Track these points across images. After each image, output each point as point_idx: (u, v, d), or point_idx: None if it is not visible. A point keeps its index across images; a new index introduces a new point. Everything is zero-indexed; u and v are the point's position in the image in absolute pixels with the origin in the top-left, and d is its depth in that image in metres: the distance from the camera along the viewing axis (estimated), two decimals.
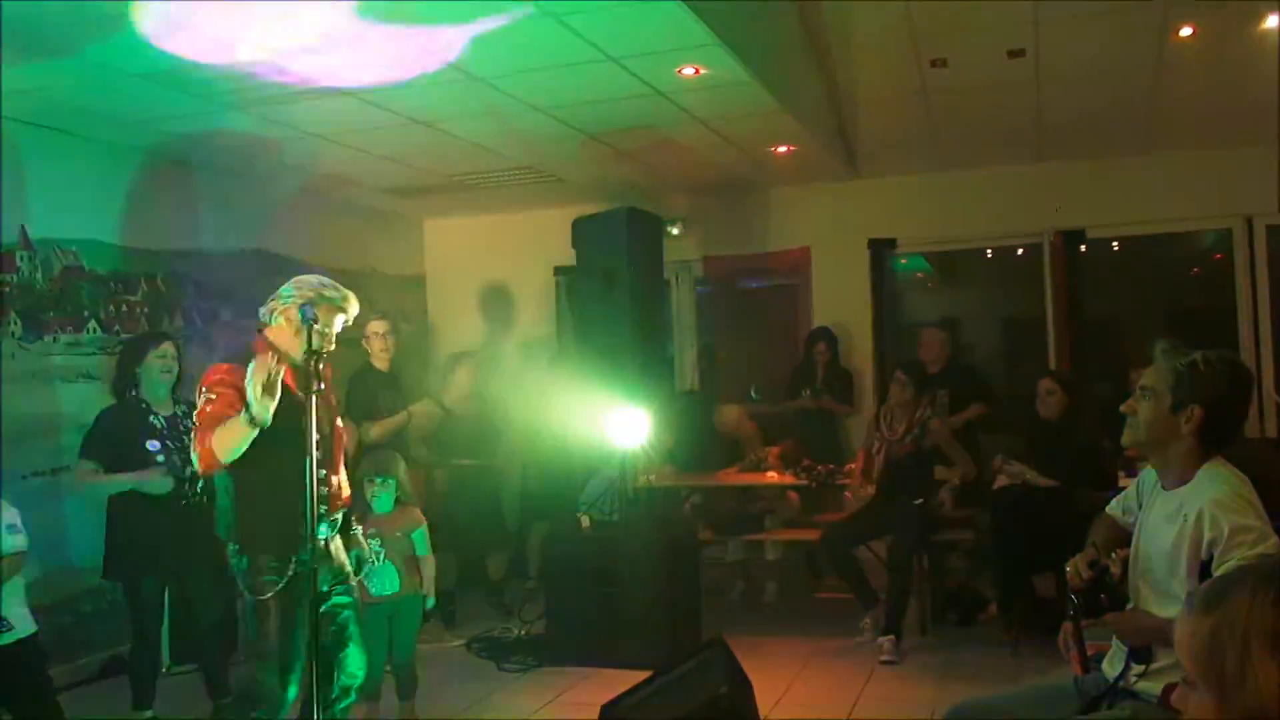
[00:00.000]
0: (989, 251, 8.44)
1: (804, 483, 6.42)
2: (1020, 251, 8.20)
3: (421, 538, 4.63)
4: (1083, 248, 7.56)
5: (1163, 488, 2.62)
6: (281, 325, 3.46)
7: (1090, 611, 2.65)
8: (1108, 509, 2.96)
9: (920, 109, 6.52)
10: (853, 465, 6.40)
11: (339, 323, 3.52)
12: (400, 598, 4.51)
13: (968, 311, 9.51)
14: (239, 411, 3.17)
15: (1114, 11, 5.29)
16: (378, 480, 4.56)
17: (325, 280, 3.56)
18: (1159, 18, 5.40)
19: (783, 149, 6.79)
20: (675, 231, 7.88)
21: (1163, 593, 2.59)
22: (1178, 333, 8.24)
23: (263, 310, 3.53)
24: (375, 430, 6.12)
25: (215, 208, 6.62)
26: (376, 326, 6.26)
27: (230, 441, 3.19)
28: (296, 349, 3.34)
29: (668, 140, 6.38)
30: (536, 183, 7.48)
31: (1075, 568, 2.69)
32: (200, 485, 4.65)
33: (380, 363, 6.23)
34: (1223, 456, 2.58)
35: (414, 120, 5.77)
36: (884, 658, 5.45)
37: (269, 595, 3.31)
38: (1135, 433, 2.64)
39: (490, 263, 8.59)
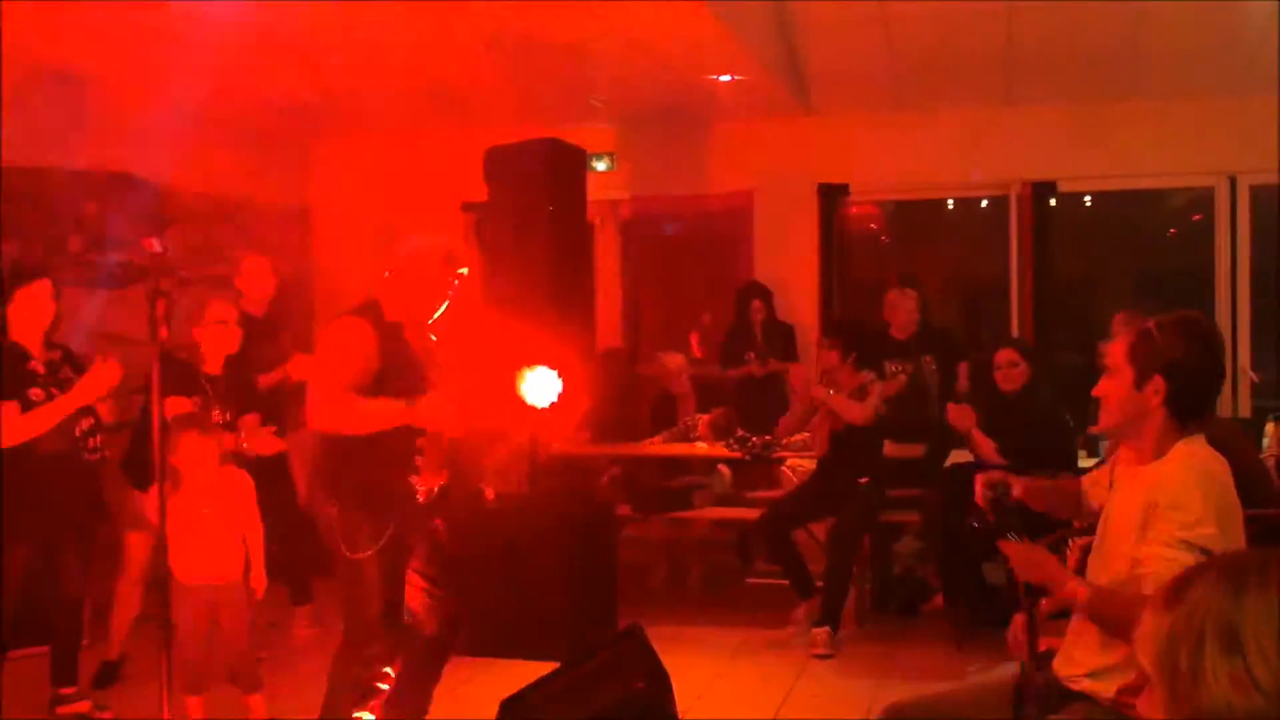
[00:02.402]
0: (950, 203, 8.55)
1: (737, 455, 6.49)
2: (984, 204, 8.33)
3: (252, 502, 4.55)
4: (1052, 202, 7.71)
5: (1136, 464, 2.70)
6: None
7: (989, 536, 2.82)
8: (1083, 479, 3.02)
9: (879, 39, 6.55)
10: (800, 436, 6.46)
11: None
12: (227, 585, 4.41)
13: (923, 269, 9.63)
14: (367, 383, 3.51)
15: None
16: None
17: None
18: None
19: (725, 78, 6.78)
20: (601, 167, 7.84)
21: (1119, 580, 2.67)
22: (1150, 298, 8.49)
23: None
24: None
25: (60, 118, 6.40)
26: (252, 265, 6.12)
27: (378, 423, 3.53)
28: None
29: (595, 62, 6.33)
30: (441, 104, 7.37)
31: (980, 484, 2.88)
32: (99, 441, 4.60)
33: (254, 307, 6.10)
34: (1204, 436, 2.66)
35: (294, 23, 5.64)
36: (818, 651, 5.55)
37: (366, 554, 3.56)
38: (1110, 415, 2.73)
39: (385, 195, 8.45)
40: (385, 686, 3.75)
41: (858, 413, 5.94)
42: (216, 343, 5.17)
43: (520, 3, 5.37)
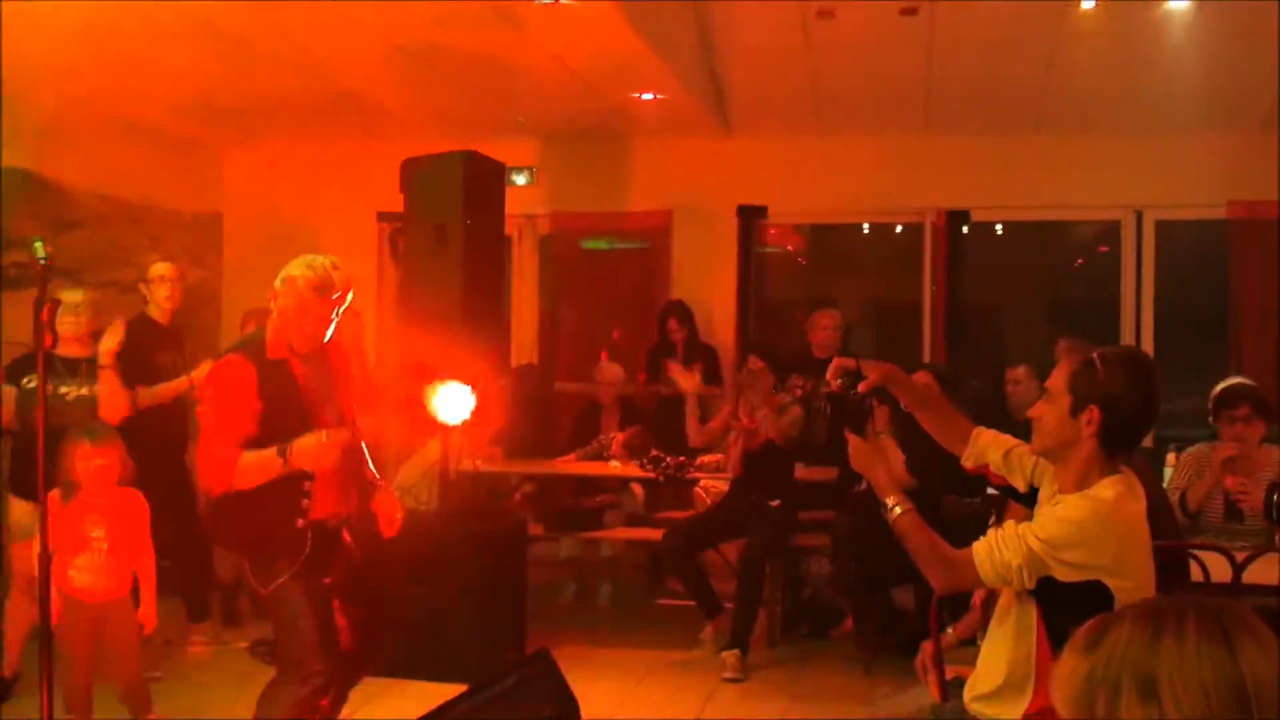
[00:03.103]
0: (865, 228, 8.64)
1: (651, 475, 6.45)
2: (899, 230, 8.42)
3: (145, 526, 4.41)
4: (965, 229, 7.82)
5: (1059, 491, 2.72)
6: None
7: (837, 421, 2.93)
8: (1017, 446, 2.97)
9: (802, 64, 6.59)
10: (713, 457, 6.44)
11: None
12: (113, 602, 4.28)
13: (838, 293, 9.70)
14: (252, 430, 3.51)
15: None
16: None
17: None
18: None
19: (648, 96, 6.77)
20: (521, 181, 7.78)
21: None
22: (1057, 326, 8.61)
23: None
24: (146, 396, 5.78)
25: None
26: (161, 270, 5.93)
27: (258, 477, 3.51)
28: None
29: (517, 76, 6.28)
30: (360, 114, 7.26)
31: (832, 370, 2.95)
32: None
33: (160, 314, 5.92)
34: (1130, 469, 2.68)
35: (211, 25, 5.50)
36: (727, 674, 5.53)
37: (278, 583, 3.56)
38: (1043, 439, 2.74)
39: (300, 203, 8.29)
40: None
41: (781, 433, 5.96)
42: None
43: (443, 13, 5.29)
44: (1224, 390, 4.95)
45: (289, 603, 3.60)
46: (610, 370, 7.19)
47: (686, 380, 6.73)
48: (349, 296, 3.75)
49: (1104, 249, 8.51)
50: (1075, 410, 2.63)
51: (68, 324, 5.09)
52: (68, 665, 4.12)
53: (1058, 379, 2.69)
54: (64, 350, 5.07)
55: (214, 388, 3.69)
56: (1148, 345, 7.50)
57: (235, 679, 5.29)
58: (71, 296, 5.40)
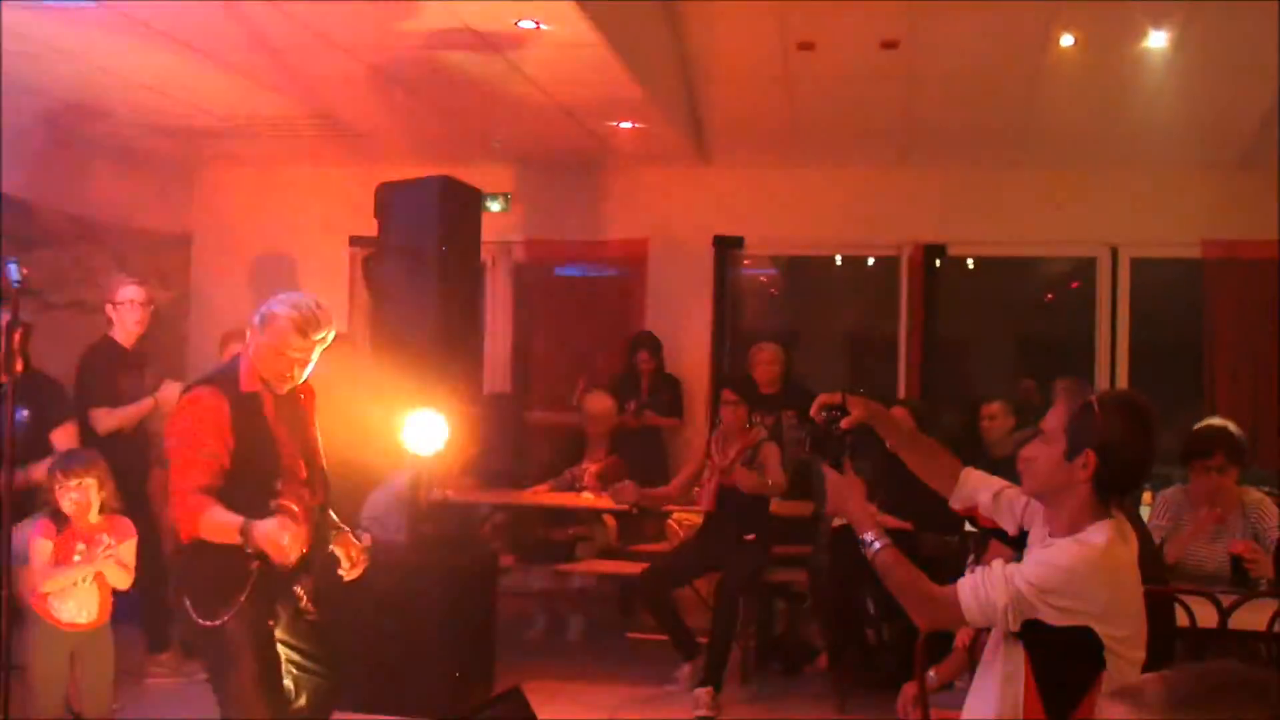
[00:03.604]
0: (838, 260, 8.62)
1: (624, 508, 6.36)
2: (871, 262, 8.41)
3: (130, 554, 4.35)
4: (938, 263, 7.81)
5: (1049, 533, 2.65)
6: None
7: (816, 455, 2.91)
8: (1007, 488, 2.90)
9: (782, 95, 6.58)
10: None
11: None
12: (94, 630, 4.23)
13: (811, 326, 9.69)
14: (224, 466, 3.44)
15: (997, 8, 5.47)
16: (71, 484, 4.20)
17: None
18: (1043, 22, 5.61)
19: (626, 125, 6.74)
20: (495, 208, 7.72)
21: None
22: (1030, 363, 8.61)
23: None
24: (109, 420, 5.66)
25: None
26: (131, 293, 5.82)
27: (218, 538, 3.40)
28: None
29: (496, 102, 6.23)
30: (334, 136, 7.18)
31: (816, 404, 2.89)
32: None
33: (125, 337, 5.80)
34: (1121, 515, 2.63)
35: (184, 44, 5.42)
36: (700, 712, 5.44)
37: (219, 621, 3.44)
38: (1035, 482, 2.68)
39: (272, 226, 8.20)
40: None
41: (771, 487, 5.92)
42: None
43: (423, 36, 5.23)
44: (1197, 435, 4.87)
45: (226, 647, 3.48)
46: (600, 402, 7.06)
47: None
48: (330, 336, 3.65)
49: (1075, 284, 8.53)
50: (1071, 454, 2.57)
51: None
52: (38, 699, 4.02)
53: (1054, 421, 2.63)
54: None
55: (184, 422, 3.55)
56: (1122, 382, 7.51)
57: (196, 711, 5.16)
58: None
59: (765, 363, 6.89)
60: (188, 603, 3.49)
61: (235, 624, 3.46)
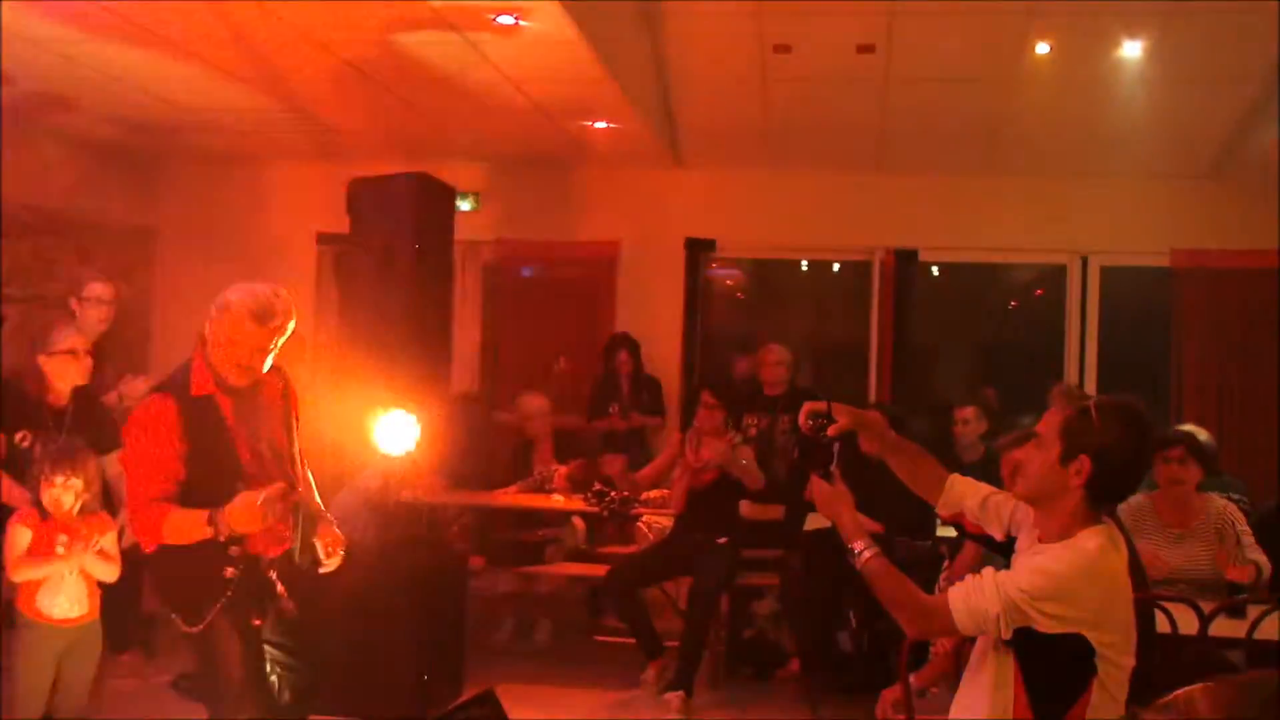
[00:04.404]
0: (804, 265, 8.62)
1: (594, 510, 6.31)
2: (837, 268, 8.42)
3: (112, 544, 4.28)
4: (910, 269, 7.82)
5: (1038, 539, 2.63)
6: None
7: (804, 464, 2.87)
8: (994, 494, 2.89)
9: (757, 98, 6.57)
10: (658, 493, 6.33)
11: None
12: (85, 625, 4.17)
13: (779, 329, 9.68)
14: (179, 474, 3.35)
15: (974, 13, 5.48)
16: (57, 480, 4.14)
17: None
18: (1020, 28, 5.62)
19: (601, 124, 6.69)
20: (465, 207, 7.64)
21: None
22: (995, 369, 8.62)
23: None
24: None
25: None
26: (98, 291, 5.70)
27: (187, 537, 3.33)
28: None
29: (469, 98, 6.16)
30: (303, 131, 7.09)
31: (803, 412, 2.86)
32: None
33: (87, 335, 5.67)
34: (1112, 522, 2.61)
35: (152, 35, 5.32)
36: (671, 716, 5.40)
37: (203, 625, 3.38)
38: (1027, 486, 2.66)
39: (239, 220, 8.08)
40: None
41: (761, 480, 5.88)
42: (64, 373, 4.81)
43: (397, 31, 5.17)
44: (1158, 433, 4.94)
45: (218, 644, 3.42)
46: (531, 402, 7.02)
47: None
48: (290, 325, 3.55)
49: (1040, 292, 8.59)
50: (1065, 459, 2.55)
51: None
52: (24, 696, 3.94)
53: (1049, 425, 2.61)
54: (54, 400, 4.87)
55: (135, 432, 3.44)
56: (1090, 390, 7.55)
57: (159, 714, 5.09)
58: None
59: (771, 364, 6.88)
60: (170, 609, 3.45)
61: (220, 625, 3.40)
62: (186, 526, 3.34)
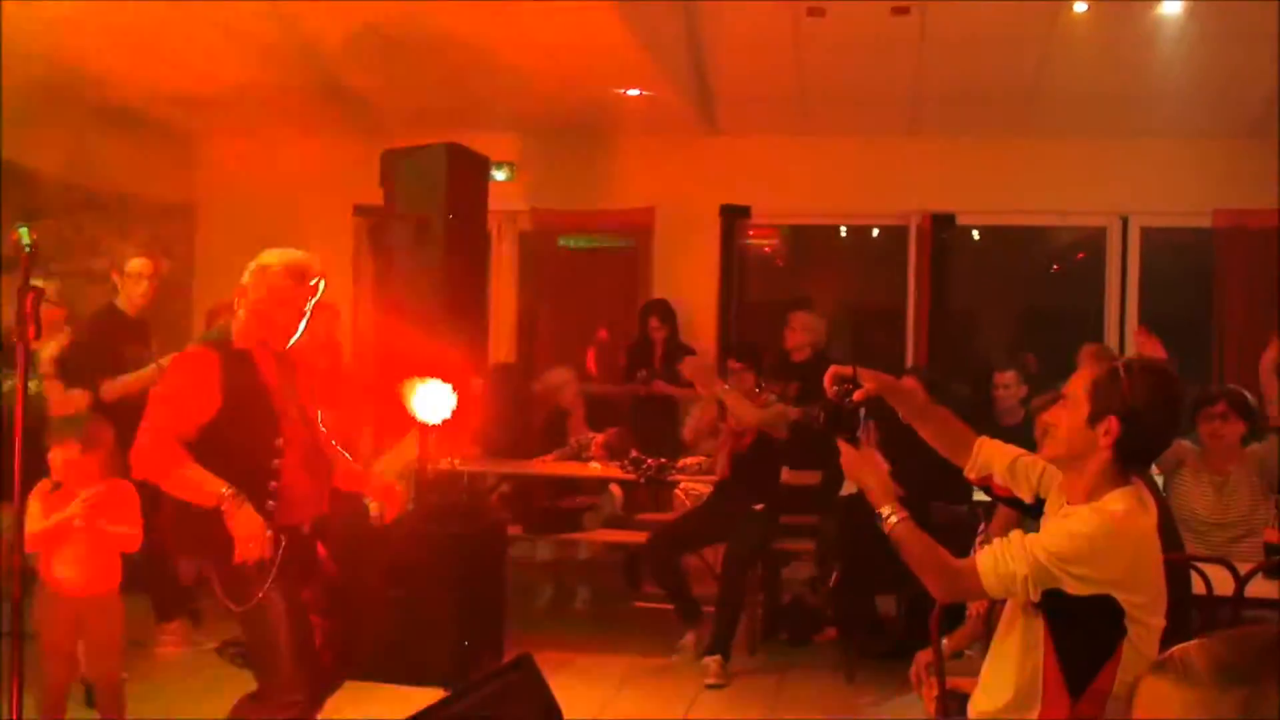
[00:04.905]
0: (843, 230, 8.58)
1: (631, 477, 6.35)
2: (876, 233, 8.37)
3: (130, 513, 4.21)
4: (946, 233, 7.76)
5: (1067, 501, 2.63)
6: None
7: (830, 429, 2.85)
8: (1022, 456, 2.88)
9: (791, 62, 6.52)
10: (694, 459, 6.35)
11: None
12: (103, 595, 4.14)
13: (817, 295, 9.64)
14: (203, 421, 3.35)
15: None
16: (67, 446, 4.08)
17: None
18: None
19: (634, 93, 6.68)
20: (500, 177, 7.66)
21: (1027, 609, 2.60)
22: (1036, 333, 8.55)
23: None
24: (112, 389, 5.61)
25: None
26: (139, 266, 5.78)
27: (189, 495, 3.35)
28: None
29: (503, 69, 6.17)
30: (337, 103, 7.12)
31: (829, 377, 2.87)
32: None
33: (130, 307, 5.77)
34: (1142, 483, 2.60)
35: (190, 10, 5.37)
36: (710, 681, 5.43)
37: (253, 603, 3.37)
38: (1055, 447, 2.65)
39: (276, 195, 8.13)
40: None
41: (753, 415, 5.84)
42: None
43: (425, 3, 5.18)
44: (1201, 390, 4.94)
45: (265, 627, 3.43)
46: (556, 375, 7.07)
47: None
48: (321, 286, 3.61)
49: (1081, 255, 8.49)
50: (1094, 420, 2.53)
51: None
52: (47, 665, 4.00)
53: (1077, 385, 2.60)
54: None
55: (173, 376, 3.51)
56: (1131, 351, 7.48)
57: (205, 681, 5.17)
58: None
59: (795, 329, 6.83)
60: (216, 586, 3.44)
61: (268, 600, 3.40)
62: (195, 487, 3.33)
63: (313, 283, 3.55)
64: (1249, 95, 6.63)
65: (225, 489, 3.31)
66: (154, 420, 3.38)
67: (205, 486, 3.33)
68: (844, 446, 2.82)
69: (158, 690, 4.99)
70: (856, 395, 2.83)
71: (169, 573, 5.66)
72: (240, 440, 3.44)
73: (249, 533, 3.31)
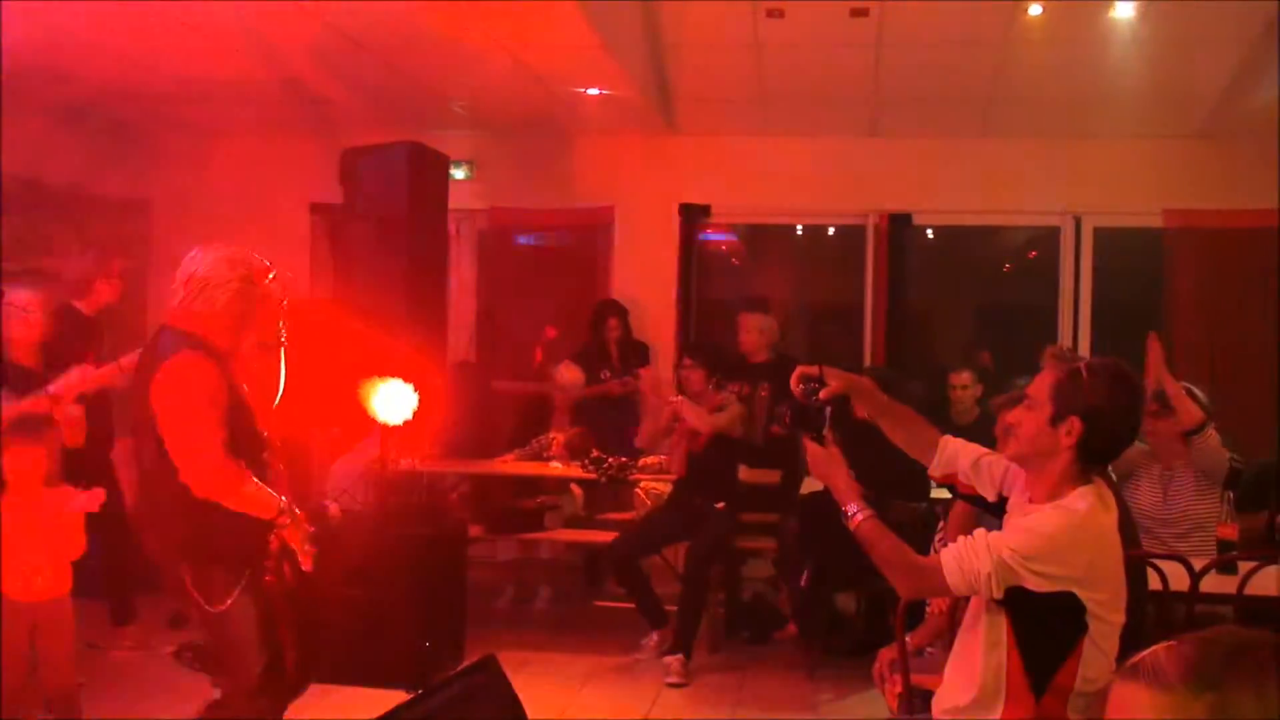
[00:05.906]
0: (799, 229, 8.60)
1: (592, 476, 6.34)
2: (831, 231, 8.41)
3: (73, 518, 4.19)
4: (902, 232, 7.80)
5: (1029, 500, 2.66)
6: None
7: (796, 428, 2.91)
8: (986, 455, 2.91)
9: (750, 63, 6.54)
10: (655, 459, 6.36)
11: None
12: (53, 602, 4.11)
13: (776, 294, 9.67)
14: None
15: None
16: (15, 450, 4.08)
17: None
18: None
19: (594, 92, 6.66)
20: (459, 175, 7.62)
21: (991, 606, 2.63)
22: (990, 331, 8.63)
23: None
24: (68, 385, 5.51)
25: None
26: (92, 263, 5.73)
27: (257, 510, 3.35)
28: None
29: (460, 65, 6.13)
30: (295, 101, 7.05)
31: (795, 377, 2.91)
32: None
33: (87, 305, 5.70)
34: (1102, 482, 2.63)
35: (144, 7, 5.29)
36: (671, 679, 5.45)
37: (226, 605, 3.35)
38: (1019, 446, 2.68)
39: (232, 192, 8.04)
40: None
41: (707, 421, 5.85)
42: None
43: (385, 2, 5.14)
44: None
45: (234, 631, 3.40)
46: (570, 374, 7.03)
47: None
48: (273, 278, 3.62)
49: (1034, 254, 8.57)
50: (1055, 420, 2.57)
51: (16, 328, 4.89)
52: (3, 671, 3.94)
53: (1040, 386, 2.63)
54: (13, 356, 4.84)
55: (190, 389, 3.32)
56: (1084, 351, 7.56)
57: (162, 686, 5.11)
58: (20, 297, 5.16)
59: (747, 330, 6.80)
60: (187, 582, 3.38)
61: (239, 609, 3.38)
62: (261, 503, 3.36)
63: (272, 279, 3.54)
64: (1199, 96, 6.73)
65: (283, 501, 3.37)
66: (198, 439, 3.28)
67: (264, 500, 3.36)
68: (810, 445, 2.85)
69: (115, 694, 4.93)
70: (822, 394, 2.85)
71: (125, 576, 5.63)
72: (239, 439, 3.39)
73: (304, 540, 3.40)
